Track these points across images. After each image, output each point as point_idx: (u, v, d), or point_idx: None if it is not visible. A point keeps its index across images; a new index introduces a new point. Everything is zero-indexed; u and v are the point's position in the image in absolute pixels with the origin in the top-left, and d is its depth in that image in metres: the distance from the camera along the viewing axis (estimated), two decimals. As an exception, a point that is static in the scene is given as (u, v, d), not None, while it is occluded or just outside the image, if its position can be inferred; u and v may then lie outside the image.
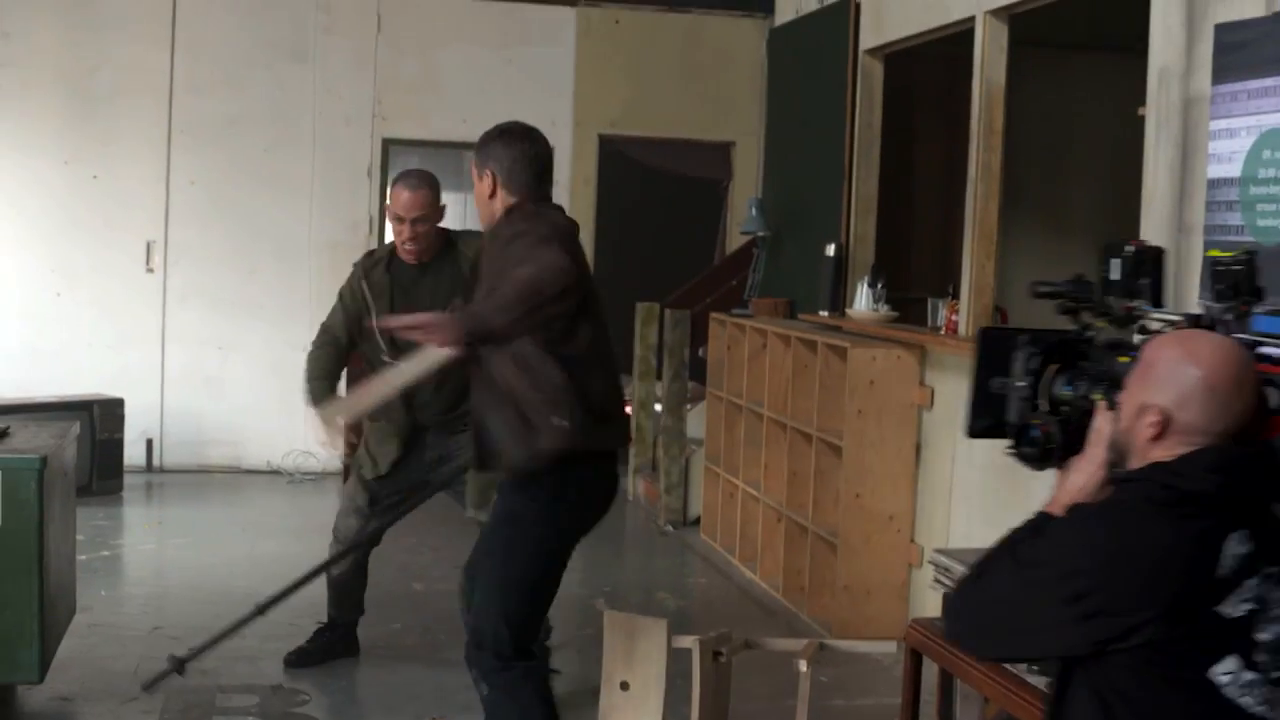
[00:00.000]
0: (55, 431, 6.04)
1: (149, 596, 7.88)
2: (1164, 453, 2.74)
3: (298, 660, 6.59)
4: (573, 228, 4.87)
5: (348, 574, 6.62)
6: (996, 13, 7.33)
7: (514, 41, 11.71)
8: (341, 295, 6.42)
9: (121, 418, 10.60)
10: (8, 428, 5.90)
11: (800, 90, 9.86)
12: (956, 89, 8.33)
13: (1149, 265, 3.47)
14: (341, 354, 6.35)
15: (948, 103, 9.53)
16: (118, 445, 10.52)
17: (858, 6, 8.91)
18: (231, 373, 11.59)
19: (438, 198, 6.18)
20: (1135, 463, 2.79)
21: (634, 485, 10.91)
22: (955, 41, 7.87)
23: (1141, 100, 5.99)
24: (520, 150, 4.85)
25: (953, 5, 7.73)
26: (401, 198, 6.16)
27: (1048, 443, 3.02)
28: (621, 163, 12.35)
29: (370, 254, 6.58)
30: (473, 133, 5.17)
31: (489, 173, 4.84)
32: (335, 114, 11.66)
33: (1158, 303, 3.43)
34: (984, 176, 7.45)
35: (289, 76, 11.57)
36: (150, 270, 11.46)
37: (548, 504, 4.71)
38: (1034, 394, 3.13)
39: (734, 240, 11.69)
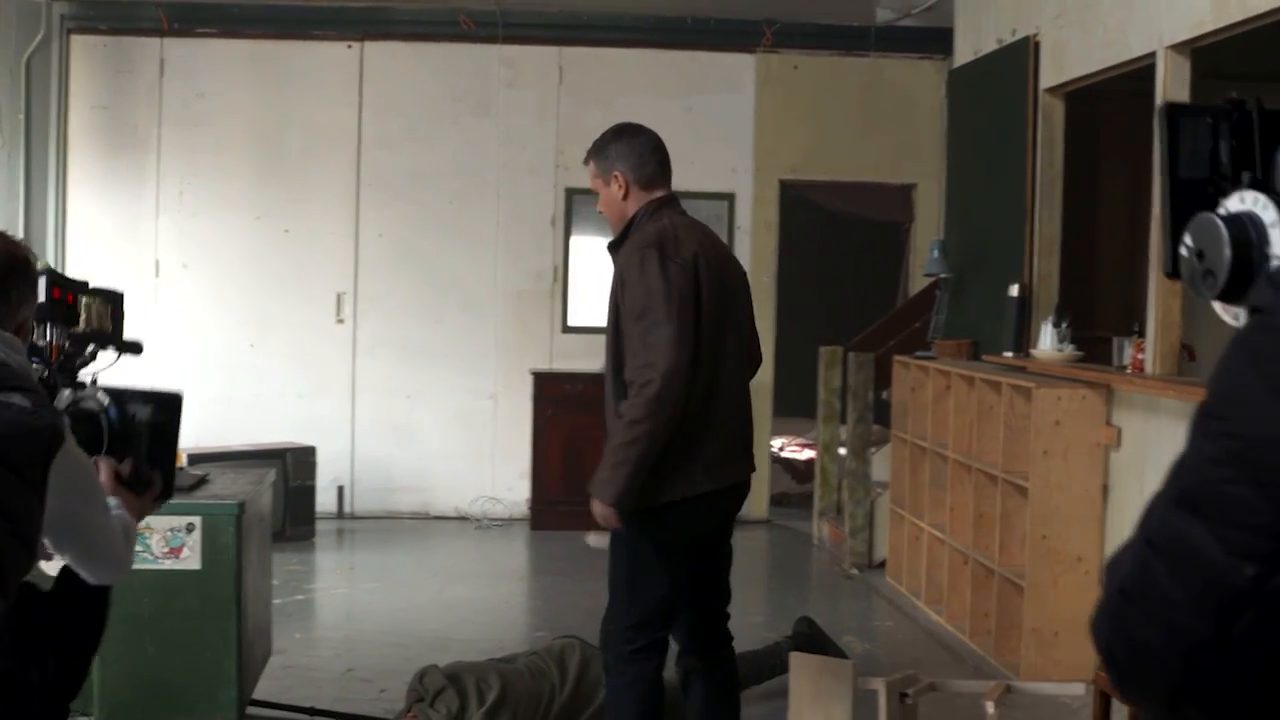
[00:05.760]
0: (251, 479, 6.13)
1: (342, 640, 7.94)
2: None
3: None
4: (698, 237, 4.77)
5: None
6: (1178, 47, 7.12)
7: (694, 90, 11.72)
8: None
9: (313, 465, 10.77)
10: (206, 475, 6.02)
11: (981, 131, 9.75)
12: (1139, 126, 8.11)
13: None
14: None
15: (1131, 140, 9.41)
16: (310, 492, 10.69)
17: (1037, 45, 8.73)
18: (419, 421, 11.70)
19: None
20: None
21: (819, 529, 10.89)
22: (1137, 78, 7.68)
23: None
24: (642, 143, 4.77)
25: (1133, 41, 7.54)
26: None
27: None
28: (803, 207, 12.32)
29: None
30: (657, 181, 5.34)
31: (617, 175, 4.76)
32: (519, 165, 11.76)
33: None
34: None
35: (473, 130, 11.75)
36: (340, 321, 11.66)
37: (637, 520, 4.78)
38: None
39: (917, 282, 11.57)
